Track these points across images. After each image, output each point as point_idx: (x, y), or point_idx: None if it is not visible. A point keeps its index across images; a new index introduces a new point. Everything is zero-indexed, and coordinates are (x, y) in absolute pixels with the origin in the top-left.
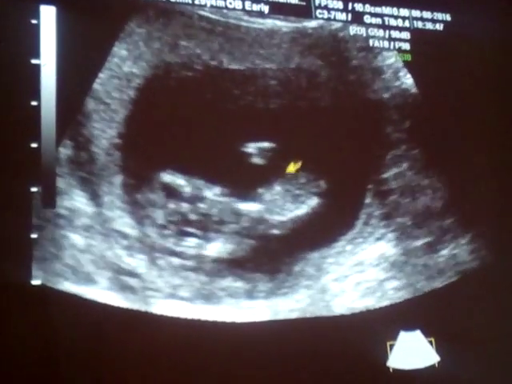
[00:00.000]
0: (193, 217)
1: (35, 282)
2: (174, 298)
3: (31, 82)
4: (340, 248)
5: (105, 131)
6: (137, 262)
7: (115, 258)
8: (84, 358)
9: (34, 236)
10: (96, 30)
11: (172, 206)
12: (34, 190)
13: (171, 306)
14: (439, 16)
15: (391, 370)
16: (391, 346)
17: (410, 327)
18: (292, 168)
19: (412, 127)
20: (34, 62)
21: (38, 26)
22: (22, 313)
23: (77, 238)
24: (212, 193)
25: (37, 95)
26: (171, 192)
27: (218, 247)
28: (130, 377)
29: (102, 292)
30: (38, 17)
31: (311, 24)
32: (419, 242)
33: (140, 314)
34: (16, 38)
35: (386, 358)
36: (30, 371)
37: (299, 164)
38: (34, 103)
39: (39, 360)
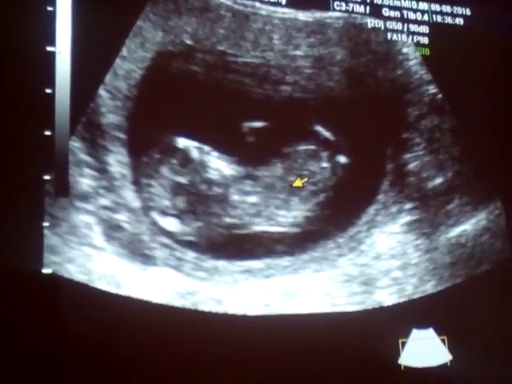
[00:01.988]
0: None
1: (46, 270)
2: (172, 269)
3: (46, 70)
4: (348, 238)
5: (112, 111)
6: (140, 232)
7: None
8: (93, 347)
9: (45, 224)
10: (112, 17)
11: (177, 182)
12: (46, 178)
13: (168, 280)
14: (459, 10)
15: (403, 368)
16: (403, 344)
17: (422, 325)
18: (298, 182)
19: (430, 118)
20: (49, 49)
21: (53, 13)
22: (32, 301)
23: (87, 223)
24: (217, 171)
25: (51, 83)
26: (177, 164)
27: (219, 226)
28: (137, 365)
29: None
30: (53, 3)
31: (329, 15)
32: (436, 235)
33: (149, 304)
34: (31, 25)
35: (397, 355)
36: (39, 359)
37: (305, 179)
38: (48, 91)
39: (49, 348)
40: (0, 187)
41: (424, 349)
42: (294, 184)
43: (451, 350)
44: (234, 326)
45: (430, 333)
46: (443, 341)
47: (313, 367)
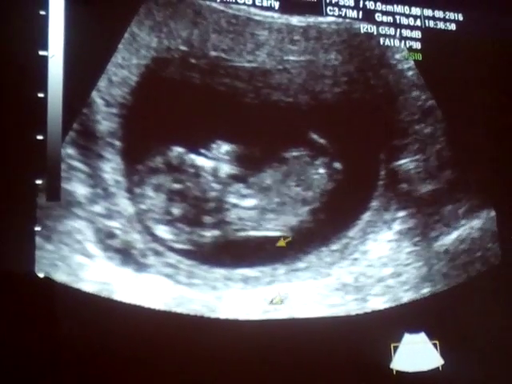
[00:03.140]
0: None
1: (38, 274)
2: (165, 276)
3: (38, 74)
4: (342, 245)
5: (107, 118)
6: (133, 239)
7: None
8: (86, 350)
9: (37, 228)
10: (105, 22)
11: (172, 189)
12: (38, 182)
13: (163, 287)
14: (451, 15)
15: (394, 372)
16: (395, 348)
17: (414, 329)
18: (282, 242)
19: (422, 124)
20: (41, 53)
21: (46, 17)
22: (24, 305)
23: (80, 229)
24: (212, 177)
25: (44, 87)
26: (172, 171)
27: (213, 233)
28: (130, 370)
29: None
30: (46, 8)
31: (322, 20)
32: (429, 242)
33: (142, 309)
34: (24, 29)
35: (389, 359)
36: (32, 364)
37: (289, 238)
38: (40, 95)
39: (41, 353)
40: None
41: (416, 353)
42: (278, 244)
43: (443, 354)
44: (226, 330)
45: (421, 337)
46: (435, 345)
47: (304, 371)
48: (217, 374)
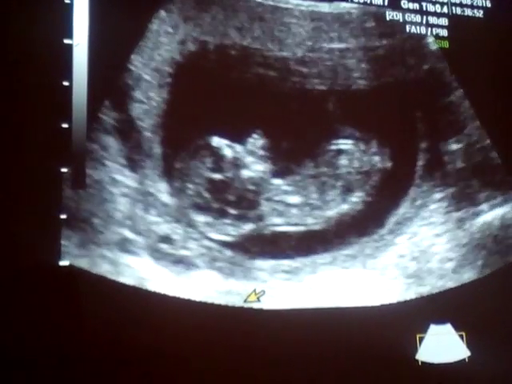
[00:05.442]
0: (231, 192)
1: (63, 262)
2: (209, 269)
3: (63, 62)
4: (384, 233)
5: (145, 104)
6: (172, 231)
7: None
8: (110, 340)
9: (63, 216)
10: (130, 10)
11: (211, 180)
12: (64, 170)
13: (204, 279)
14: (479, 2)
15: (420, 363)
16: (421, 339)
17: (440, 320)
18: (253, 296)
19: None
20: (66, 41)
21: (70, 6)
22: (49, 294)
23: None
24: (253, 167)
25: (69, 75)
26: (211, 162)
27: (253, 225)
28: (155, 359)
29: (137, 260)
30: None
31: (348, 6)
32: (461, 230)
33: (167, 298)
34: (49, 18)
35: (415, 350)
36: (56, 353)
37: (261, 292)
38: (65, 83)
39: (66, 341)
40: (17, 180)
41: (442, 344)
42: (250, 298)
43: (470, 346)
44: (268, 321)
45: (447, 328)
46: (461, 337)
47: (330, 361)
48: (260, 363)
